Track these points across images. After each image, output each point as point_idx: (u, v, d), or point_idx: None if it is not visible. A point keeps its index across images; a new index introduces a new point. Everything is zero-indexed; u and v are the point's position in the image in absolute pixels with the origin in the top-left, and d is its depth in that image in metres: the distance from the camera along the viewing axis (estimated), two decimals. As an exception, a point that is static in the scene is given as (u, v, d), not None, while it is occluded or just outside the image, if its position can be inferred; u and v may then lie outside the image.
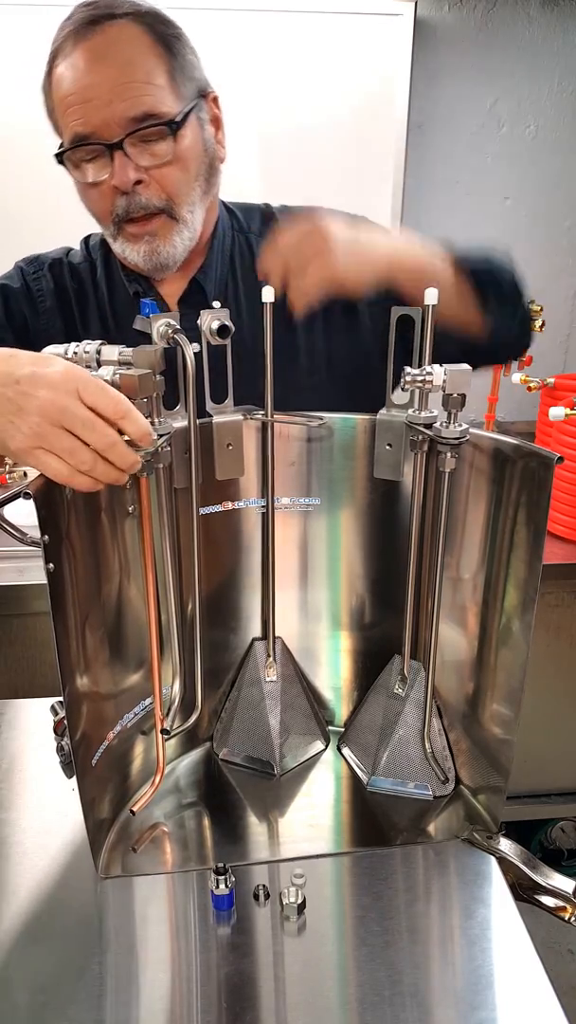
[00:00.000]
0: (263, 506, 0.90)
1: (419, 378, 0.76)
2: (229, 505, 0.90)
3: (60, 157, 0.94)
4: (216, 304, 0.99)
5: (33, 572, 1.49)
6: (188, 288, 1.05)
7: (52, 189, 2.08)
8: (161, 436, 0.75)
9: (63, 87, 0.91)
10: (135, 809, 0.84)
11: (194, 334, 1.00)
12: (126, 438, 0.67)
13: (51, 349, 0.83)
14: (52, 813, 0.87)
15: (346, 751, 0.97)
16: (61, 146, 0.94)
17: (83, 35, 0.89)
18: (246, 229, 1.10)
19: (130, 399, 0.70)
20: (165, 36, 0.92)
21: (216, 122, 1.01)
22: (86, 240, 1.12)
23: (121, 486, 0.78)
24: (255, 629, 0.96)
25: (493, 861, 0.80)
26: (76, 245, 1.12)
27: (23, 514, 0.71)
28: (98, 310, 1.07)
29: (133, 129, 0.89)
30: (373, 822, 0.87)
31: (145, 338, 0.76)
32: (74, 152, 0.92)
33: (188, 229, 0.97)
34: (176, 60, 0.93)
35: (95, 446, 0.66)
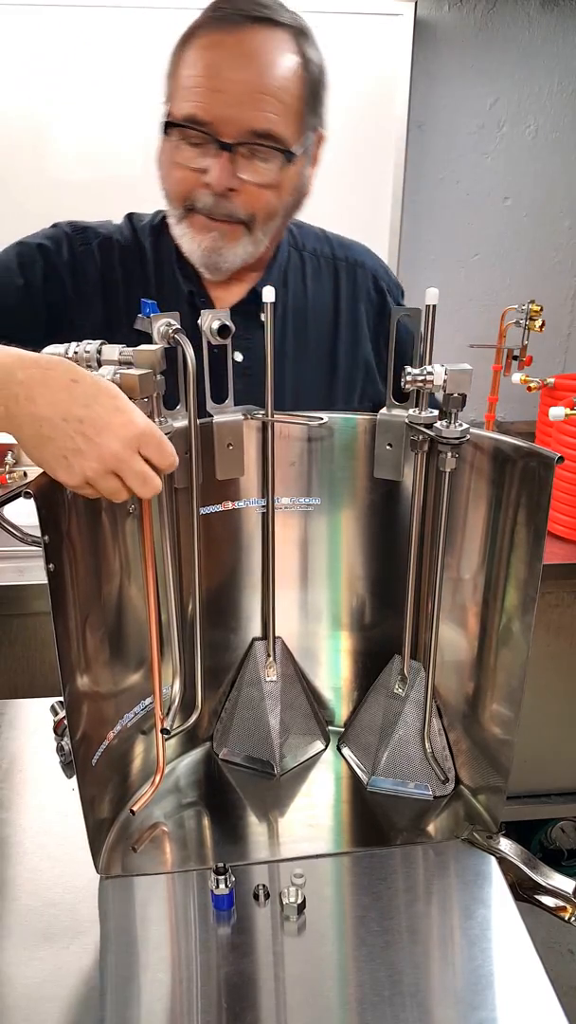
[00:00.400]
0: (263, 506, 0.90)
1: (419, 378, 0.76)
2: (229, 505, 0.90)
3: (166, 128, 0.91)
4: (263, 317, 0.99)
5: (33, 572, 1.49)
6: (245, 297, 1.04)
7: (53, 189, 2.09)
8: None
9: (198, 64, 0.88)
10: (135, 809, 0.84)
11: (243, 342, 0.99)
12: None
13: (51, 349, 0.83)
14: (52, 813, 0.87)
15: (346, 751, 0.97)
16: (170, 115, 0.91)
17: (239, 24, 0.87)
18: (300, 246, 1.10)
19: (130, 399, 0.70)
20: (314, 65, 0.92)
21: (315, 160, 1.00)
22: (130, 218, 1.08)
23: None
24: (255, 629, 0.96)
25: (493, 861, 0.80)
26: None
27: (23, 514, 0.71)
28: (128, 293, 1.03)
29: (251, 141, 0.89)
30: (373, 822, 0.87)
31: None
32: (180, 130, 0.90)
33: (255, 246, 0.96)
34: (313, 91, 0.93)
35: (144, 495, 0.67)
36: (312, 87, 0.93)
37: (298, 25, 0.91)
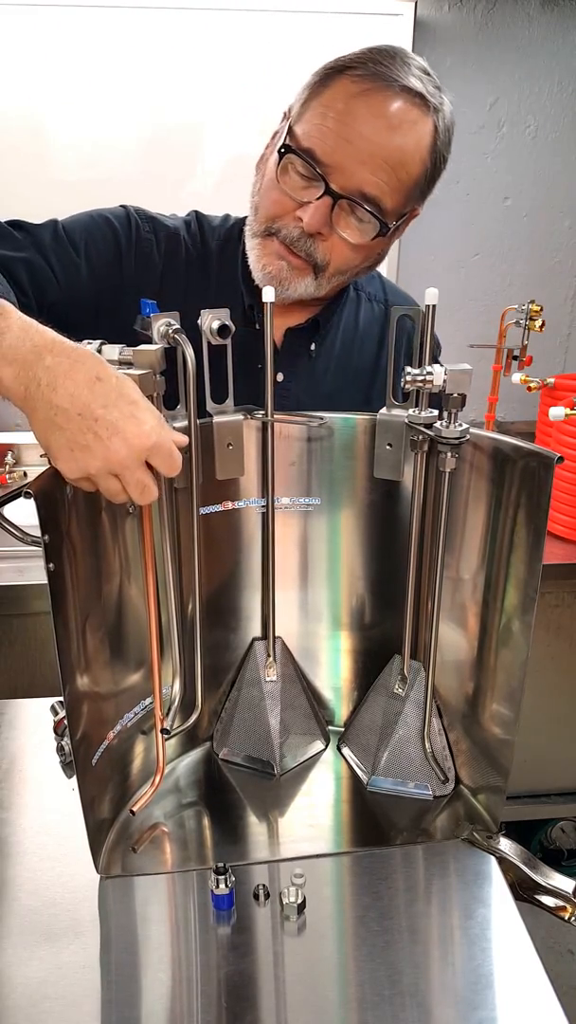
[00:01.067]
0: (263, 506, 0.90)
1: (419, 378, 0.76)
2: (229, 505, 0.90)
3: (283, 152, 0.91)
4: (313, 346, 1.02)
5: (33, 572, 1.49)
6: (304, 323, 1.05)
7: (52, 188, 2.09)
8: None
9: (338, 105, 0.88)
10: (135, 809, 0.84)
11: (287, 362, 1.02)
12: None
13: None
14: (52, 813, 0.87)
15: (346, 751, 0.97)
16: (291, 136, 0.91)
17: (393, 88, 0.87)
18: (360, 287, 1.11)
19: None
20: (441, 153, 0.92)
21: (399, 233, 1.01)
22: (198, 217, 1.08)
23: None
24: (255, 629, 0.96)
25: (493, 861, 0.80)
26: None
27: (24, 514, 0.71)
28: (187, 293, 1.02)
29: (357, 201, 0.89)
30: (373, 822, 0.87)
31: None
32: (294, 157, 0.90)
33: (316, 289, 0.97)
34: (429, 178, 0.94)
35: (140, 501, 0.67)
36: (430, 174, 0.94)
37: (441, 113, 0.91)
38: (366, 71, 0.87)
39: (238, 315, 0.99)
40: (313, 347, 1.06)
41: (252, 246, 0.98)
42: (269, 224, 0.94)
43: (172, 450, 0.67)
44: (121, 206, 1.05)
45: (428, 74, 0.90)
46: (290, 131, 0.92)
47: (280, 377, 1.04)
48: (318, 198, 0.89)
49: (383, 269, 1.17)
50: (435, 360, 1.12)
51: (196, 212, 1.08)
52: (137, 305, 0.98)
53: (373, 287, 1.13)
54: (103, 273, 0.99)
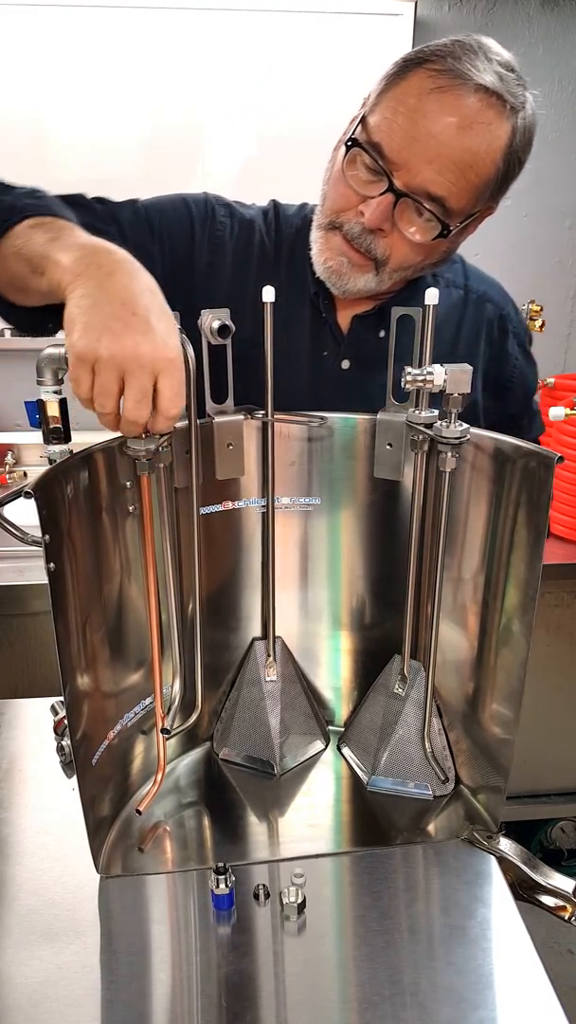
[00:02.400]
0: (263, 506, 0.90)
1: (419, 378, 0.76)
2: (229, 505, 0.90)
3: (351, 142, 0.89)
4: (382, 333, 1.01)
5: (33, 572, 1.49)
6: (370, 309, 1.03)
7: (52, 189, 2.08)
8: (162, 436, 0.75)
9: (410, 101, 0.85)
10: (140, 808, 0.84)
11: (352, 349, 1.02)
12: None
13: (50, 350, 0.83)
14: (52, 813, 0.87)
15: (346, 751, 0.97)
16: (362, 128, 0.89)
17: (469, 86, 0.84)
18: (439, 273, 1.08)
19: None
20: (517, 154, 0.90)
21: (472, 230, 0.99)
22: (275, 205, 1.08)
23: (122, 485, 0.78)
24: (255, 629, 0.96)
25: (493, 861, 0.80)
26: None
27: (24, 514, 0.71)
28: (257, 279, 1.00)
29: (421, 199, 0.87)
30: (373, 822, 0.87)
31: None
32: (361, 151, 0.89)
33: (377, 284, 0.96)
34: (502, 180, 0.91)
35: (130, 415, 0.66)
36: (502, 176, 0.91)
37: (521, 113, 0.88)
38: (443, 66, 0.84)
39: (307, 302, 1.02)
40: (382, 334, 1.04)
41: (315, 239, 0.97)
42: (333, 218, 0.94)
43: (179, 381, 0.66)
44: (202, 192, 1.06)
45: (512, 71, 0.87)
46: (363, 121, 0.90)
47: (345, 365, 1.03)
48: (381, 194, 0.88)
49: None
50: (522, 347, 1.11)
51: (274, 201, 1.09)
52: (209, 288, 0.98)
53: (453, 272, 1.10)
54: (176, 254, 1.01)
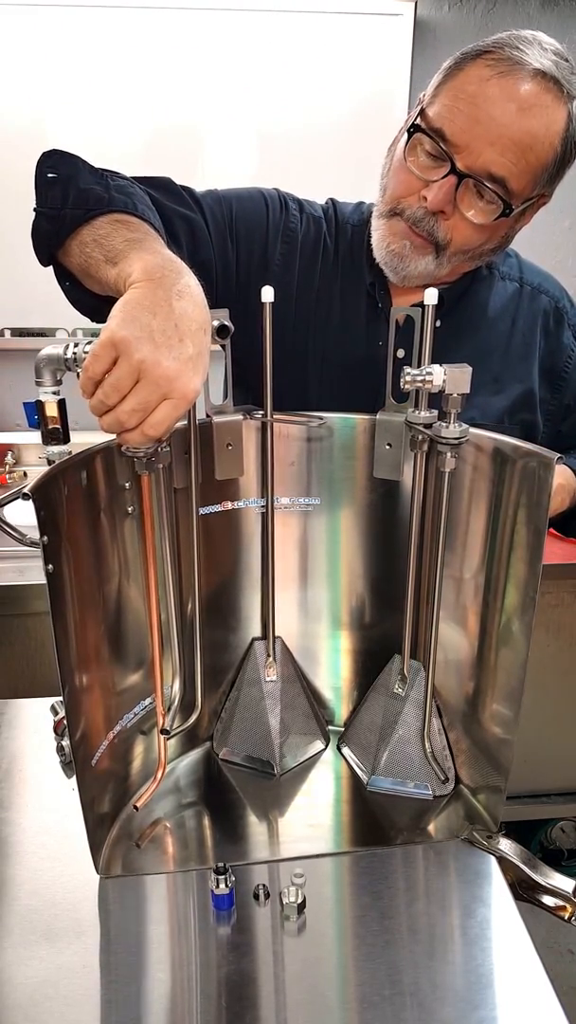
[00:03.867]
0: (263, 506, 0.90)
1: (419, 378, 0.76)
2: (229, 505, 0.90)
3: (412, 132, 0.92)
4: (439, 323, 0.98)
5: (33, 572, 1.49)
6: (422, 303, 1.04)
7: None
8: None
9: (471, 87, 0.89)
10: (138, 805, 0.84)
11: (409, 338, 1.00)
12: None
13: (49, 350, 0.83)
14: (52, 813, 0.87)
15: (346, 751, 0.97)
16: (423, 117, 0.92)
17: (527, 71, 0.87)
18: (494, 266, 1.10)
19: None
20: (573, 139, 0.92)
21: (528, 219, 1.01)
22: (334, 203, 1.11)
23: (121, 485, 0.78)
24: (255, 629, 0.96)
25: (493, 861, 0.80)
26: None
27: (23, 515, 0.71)
28: (327, 288, 1.06)
29: (482, 179, 0.90)
30: (373, 822, 0.87)
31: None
32: (422, 136, 0.92)
33: (437, 268, 0.98)
34: (560, 163, 0.93)
35: (121, 416, 0.66)
36: (560, 159, 0.93)
37: (573, 95, 0.91)
38: (501, 55, 0.88)
39: (362, 294, 1.05)
40: (439, 324, 1.04)
41: (377, 226, 1.00)
42: (395, 205, 0.97)
43: (179, 415, 0.67)
44: (274, 189, 1.09)
45: (566, 60, 0.91)
46: (422, 113, 0.93)
47: (400, 353, 1.02)
48: (443, 177, 0.90)
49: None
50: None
51: (332, 200, 1.12)
52: (283, 281, 1.00)
53: (508, 266, 1.12)
54: (252, 245, 1.04)
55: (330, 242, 1.08)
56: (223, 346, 0.81)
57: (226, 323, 0.80)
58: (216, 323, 0.79)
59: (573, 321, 1.13)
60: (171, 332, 0.65)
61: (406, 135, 0.93)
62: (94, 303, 0.88)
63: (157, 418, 0.66)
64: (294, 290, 1.04)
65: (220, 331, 0.80)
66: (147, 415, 0.66)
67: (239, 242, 1.04)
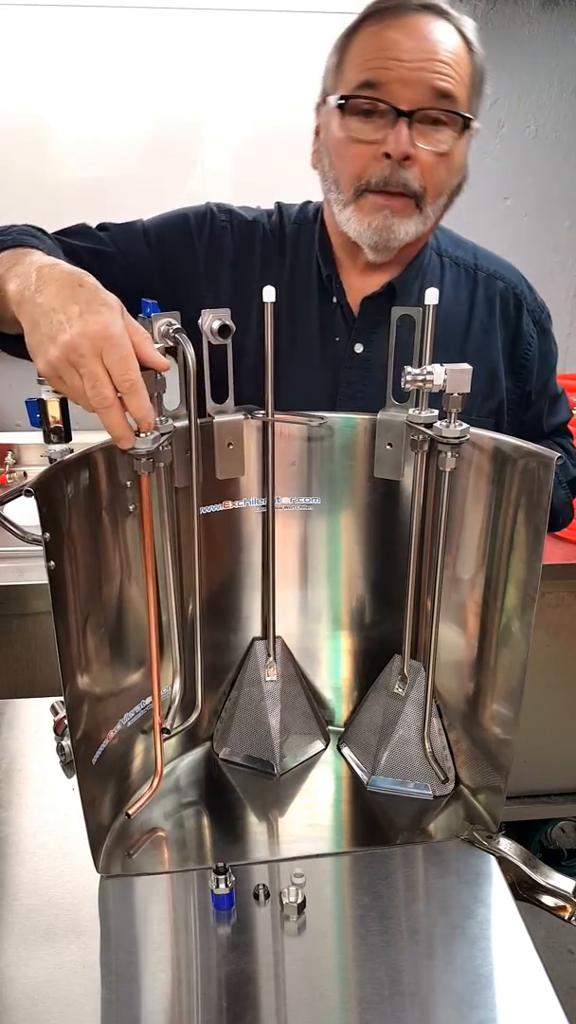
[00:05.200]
0: (263, 506, 0.90)
1: (419, 378, 0.76)
2: (229, 504, 0.90)
3: (342, 104, 0.92)
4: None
5: (33, 572, 1.49)
6: (379, 290, 1.04)
7: (52, 189, 2.08)
8: (163, 435, 0.75)
9: (370, 42, 0.90)
10: (131, 812, 0.84)
11: (366, 333, 1.04)
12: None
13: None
14: (52, 813, 0.87)
15: (346, 751, 0.97)
16: (342, 96, 0.92)
17: (406, 11, 0.89)
18: (442, 251, 1.10)
19: None
20: (476, 54, 0.93)
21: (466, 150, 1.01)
22: (279, 207, 1.12)
23: (122, 484, 0.78)
24: (255, 628, 0.96)
25: (493, 861, 0.80)
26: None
27: (23, 514, 0.71)
28: (261, 277, 1.04)
29: (429, 103, 0.89)
30: (373, 822, 0.87)
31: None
32: (352, 105, 0.91)
33: (422, 224, 0.97)
34: (479, 76, 0.94)
35: (93, 401, 0.68)
36: (479, 73, 0.94)
37: (462, 27, 0.92)
38: (379, 11, 0.91)
39: (315, 289, 1.05)
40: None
41: (349, 216, 0.97)
42: (357, 183, 0.94)
43: (125, 353, 0.67)
44: (206, 204, 1.09)
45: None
46: (335, 91, 0.94)
47: (359, 348, 1.04)
48: (393, 125, 0.90)
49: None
50: (539, 325, 1.13)
51: (279, 203, 1.12)
52: (212, 284, 1.01)
53: (460, 252, 1.12)
54: (176, 264, 1.05)
55: (273, 243, 1.07)
56: (224, 345, 0.81)
57: (227, 323, 0.80)
58: (217, 323, 0.80)
59: (532, 307, 1.12)
60: (58, 316, 0.67)
61: (337, 114, 0.93)
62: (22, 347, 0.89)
63: (114, 365, 0.67)
64: (227, 298, 1.02)
65: (221, 331, 0.80)
66: (106, 382, 0.67)
67: (161, 265, 1.04)
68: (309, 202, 1.11)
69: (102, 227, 1.06)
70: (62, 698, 0.73)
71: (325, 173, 1.00)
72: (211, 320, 0.80)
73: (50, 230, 1.04)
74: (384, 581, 0.93)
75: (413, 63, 0.88)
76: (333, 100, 0.93)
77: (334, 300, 1.04)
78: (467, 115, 0.92)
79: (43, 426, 0.81)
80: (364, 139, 0.92)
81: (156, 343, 0.75)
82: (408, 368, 0.77)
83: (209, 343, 0.81)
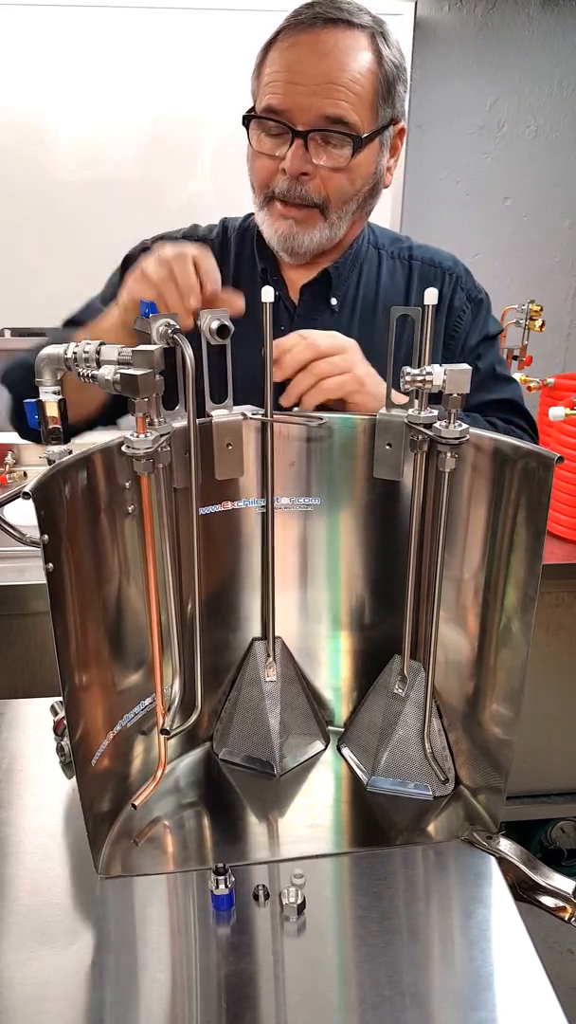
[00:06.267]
0: (263, 506, 0.90)
1: (419, 378, 0.76)
2: (229, 505, 0.90)
3: (247, 120, 1.00)
4: (334, 301, 1.09)
5: (33, 572, 1.49)
6: (316, 278, 1.10)
7: (52, 188, 2.08)
8: (161, 436, 0.75)
9: (276, 63, 0.97)
10: (136, 803, 0.84)
11: (309, 322, 1.10)
12: None
13: (49, 350, 0.83)
14: (52, 813, 0.87)
15: (346, 751, 0.97)
16: (251, 111, 1.00)
17: (314, 27, 0.95)
18: (379, 245, 1.16)
19: (131, 399, 0.71)
20: (387, 60, 0.98)
21: (394, 151, 1.07)
22: (223, 221, 1.20)
23: (121, 485, 0.78)
24: (255, 629, 0.96)
25: (493, 861, 0.80)
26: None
27: (23, 514, 0.71)
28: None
29: (322, 127, 0.96)
30: (373, 822, 0.87)
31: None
32: (260, 121, 0.99)
33: (330, 230, 1.03)
34: (388, 85, 0.99)
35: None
36: (387, 80, 0.99)
37: (374, 26, 0.98)
38: (290, 26, 0.97)
39: (257, 282, 1.11)
40: (334, 302, 1.12)
41: (261, 219, 1.05)
42: (264, 190, 1.02)
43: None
44: (140, 241, 1.18)
45: (352, 3, 0.98)
46: (252, 109, 1.01)
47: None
48: (290, 144, 0.97)
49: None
50: (471, 301, 1.16)
51: (224, 218, 1.20)
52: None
53: (395, 245, 1.17)
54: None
55: (216, 247, 1.13)
56: (223, 345, 0.81)
57: (226, 323, 0.80)
58: (216, 323, 0.80)
59: (467, 286, 1.16)
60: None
61: (246, 130, 1.00)
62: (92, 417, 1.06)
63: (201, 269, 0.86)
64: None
65: (220, 331, 0.80)
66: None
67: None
68: (251, 213, 1.16)
69: (72, 321, 1.13)
70: (62, 698, 0.73)
71: (248, 174, 1.07)
72: (209, 320, 0.80)
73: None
74: (384, 581, 0.93)
75: (309, 87, 0.94)
76: (243, 114, 1.00)
77: (276, 293, 1.07)
78: (359, 136, 0.97)
79: (41, 427, 0.81)
80: (267, 153, 1.00)
81: (155, 343, 0.75)
82: (407, 368, 0.77)
83: (208, 343, 0.81)
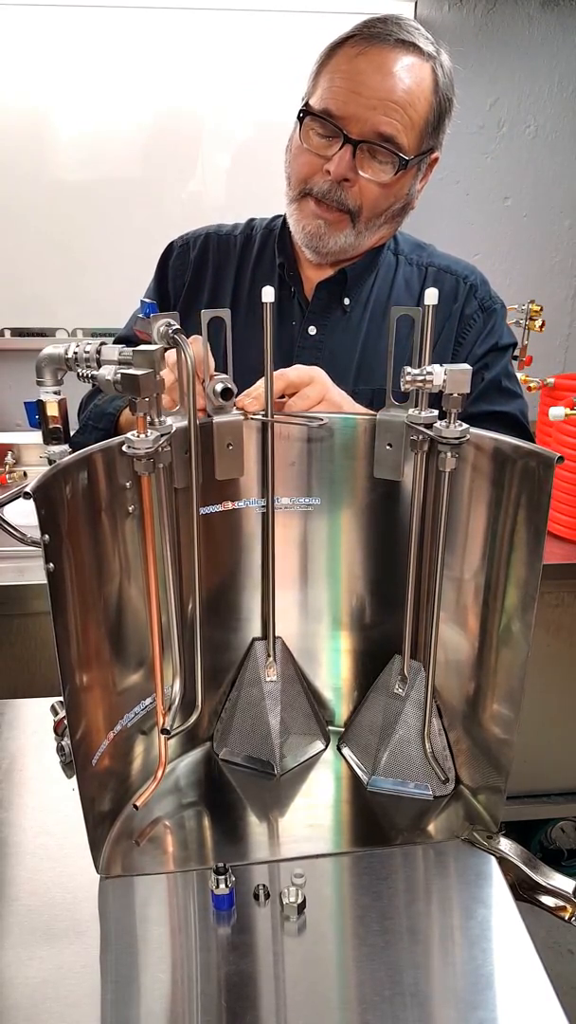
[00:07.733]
0: (263, 506, 0.90)
1: (419, 378, 0.76)
2: (229, 505, 0.90)
3: (302, 115, 1.03)
4: (347, 301, 1.14)
5: (33, 572, 1.50)
6: (332, 277, 1.13)
7: (52, 188, 2.08)
8: (161, 436, 0.75)
9: (343, 67, 1.00)
10: (138, 804, 0.84)
11: (319, 317, 1.15)
12: None
13: (50, 349, 0.83)
14: (52, 813, 0.87)
15: (346, 751, 0.97)
16: (307, 104, 1.03)
17: (385, 43, 0.99)
18: (398, 251, 1.19)
19: (131, 399, 0.71)
20: (444, 94, 1.03)
21: (425, 178, 1.12)
22: (250, 221, 1.24)
23: (122, 485, 0.78)
24: (255, 629, 0.96)
25: (493, 861, 0.80)
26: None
27: (23, 514, 0.71)
28: (236, 276, 1.18)
29: (374, 140, 1.00)
30: (373, 822, 0.87)
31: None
32: (314, 119, 1.02)
33: (356, 238, 1.08)
34: (438, 116, 1.05)
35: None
36: (438, 112, 1.04)
37: (435, 55, 1.02)
38: (362, 35, 1.00)
39: (275, 279, 1.15)
40: (347, 301, 1.14)
41: (291, 212, 1.08)
42: (302, 186, 1.05)
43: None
44: (170, 242, 1.24)
45: (419, 30, 1.02)
46: (306, 104, 1.03)
47: (312, 331, 1.13)
48: (339, 148, 1.00)
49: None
50: (485, 309, 1.19)
51: (251, 218, 1.24)
52: (198, 297, 1.14)
53: (415, 252, 1.20)
54: (164, 299, 1.21)
55: (240, 245, 1.19)
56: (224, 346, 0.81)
57: (229, 386, 0.84)
58: (220, 386, 0.86)
59: (481, 294, 1.18)
60: None
61: (298, 122, 1.03)
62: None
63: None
64: (206, 300, 1.17)
65: (223, 394, 0.85)
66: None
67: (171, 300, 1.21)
68: (279, 215, 1.19)
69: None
70: (62, 698, 0.73)
71: (285, 167, 1.09)
72: (213, 383, 0.82)
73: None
74: (384, 581, 0.93)
75: (370, 100, 0.98)
76: (300, 107, 1.02)
77: (291, 289, 1.13)
78: (405, 157, 1.01)
79: (42, 427, 0.82)
80: (315, 151, 1.02)
81: (155, 343, 0.75)
82: (407, 368, 0.77)
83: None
